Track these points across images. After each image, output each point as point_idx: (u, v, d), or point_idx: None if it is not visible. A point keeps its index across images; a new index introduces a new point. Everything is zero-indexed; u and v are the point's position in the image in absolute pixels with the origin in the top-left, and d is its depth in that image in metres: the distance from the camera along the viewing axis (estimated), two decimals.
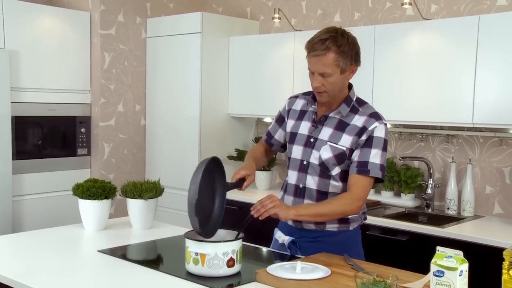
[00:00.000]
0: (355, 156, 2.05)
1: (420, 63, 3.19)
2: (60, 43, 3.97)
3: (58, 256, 2.15)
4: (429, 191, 3.38)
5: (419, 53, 3.20)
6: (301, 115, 2.21)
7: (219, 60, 4.15)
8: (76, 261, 2.14)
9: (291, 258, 2.11)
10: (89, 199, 2.48)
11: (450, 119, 3.11)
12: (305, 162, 2.14)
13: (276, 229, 2.29)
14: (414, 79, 3.22)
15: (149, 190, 2.53)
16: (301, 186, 2.15)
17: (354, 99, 2.13)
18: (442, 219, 3.18)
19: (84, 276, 1.97)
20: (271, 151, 2.41)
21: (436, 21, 3.25)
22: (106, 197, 2.51)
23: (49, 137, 3.97)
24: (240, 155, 4.15)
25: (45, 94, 3.90)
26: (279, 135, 2.32)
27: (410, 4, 3.23)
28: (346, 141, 2.06)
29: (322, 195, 2.11)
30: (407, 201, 3.48)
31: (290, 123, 2.24)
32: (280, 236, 2.22)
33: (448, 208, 3.30)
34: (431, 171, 3.39)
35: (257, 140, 4.22)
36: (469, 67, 3.00)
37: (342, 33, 2.03)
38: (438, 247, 1.59)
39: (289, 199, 2.19)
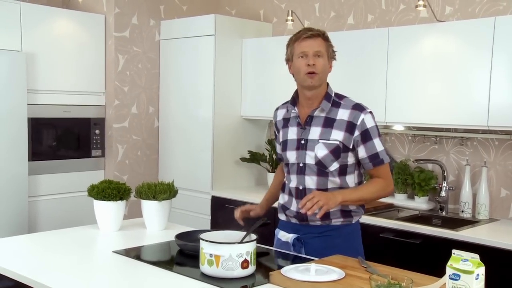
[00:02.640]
0: (362, 154, 2.16)
1: (435, 66, 3.17)
2: (75, 45, 4.01)
3: (73, 256, 2.17)
4: (443, 194, 3.36)
5: (433, 56, 3.18)
6: (286, 122, 2.31)
7: (232, 62, 4.16)
8: (91, 262, 2.16)
9: (296, 257, 2.16)
10: (104, 200, 2.50)
11: (465, 122, 3.09)
12: (301, 164, 2.20)
13: (277, 229, 2.34)
14: (428, 82, 3.20)
15: (163, 192, 2.55)
16: (301, 187, 2.22)
17: (333, 95, 2.23)
18: (457, 222, 3.16)
19: (99, 276, 1.98)
20: None
21: (451, 23, 3.23)
22: (121, 198, 2.53)
23: (64, 138, 4.01)
24: (253, 157, 4.16)
25: (60, 96, 3.94)
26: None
27: (424, 6, 3.22)
28: (337, 135, 2.15)
29: None
30: (420, 203, 3.46)
31: (280, 134, 2.34)
32: (284, 235, 2.27)
33: (462, 211, 3.28)
34: (445, 174, 3.37)
35: (269, 142, 4.23)
36: (485, 69, 2.98)
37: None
38: (454, 250, 1.58)
39: (292, 200, 2.25)
